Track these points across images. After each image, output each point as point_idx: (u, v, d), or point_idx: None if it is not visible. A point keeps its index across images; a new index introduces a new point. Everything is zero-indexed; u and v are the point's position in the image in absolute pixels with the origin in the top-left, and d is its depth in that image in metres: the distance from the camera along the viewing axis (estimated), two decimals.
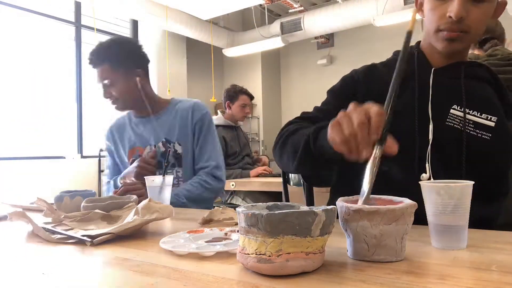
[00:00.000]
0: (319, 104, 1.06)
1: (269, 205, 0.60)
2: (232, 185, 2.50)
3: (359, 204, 0.56)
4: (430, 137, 0.88)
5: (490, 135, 0.87)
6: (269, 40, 5.70)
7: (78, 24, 5.03)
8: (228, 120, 2.99)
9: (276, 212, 0.48)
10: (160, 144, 1.53)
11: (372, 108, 0.61)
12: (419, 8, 0.95)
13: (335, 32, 6.27)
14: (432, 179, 0.86)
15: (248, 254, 0.50)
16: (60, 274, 0.54)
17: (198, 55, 6.47)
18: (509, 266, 0.50)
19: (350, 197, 0.62)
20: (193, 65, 6.41)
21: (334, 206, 0.53)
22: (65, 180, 4.51)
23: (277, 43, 5.62)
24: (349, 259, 0.56)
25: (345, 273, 0.50)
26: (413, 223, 0.55)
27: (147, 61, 1.57)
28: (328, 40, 6.70)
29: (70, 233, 0.76)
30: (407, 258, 0.55)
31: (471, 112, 0.89)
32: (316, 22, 5.55)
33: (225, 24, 6.37)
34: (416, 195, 0.60)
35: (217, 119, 2.92)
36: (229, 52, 6.10)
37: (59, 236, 0.75)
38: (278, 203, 0.61)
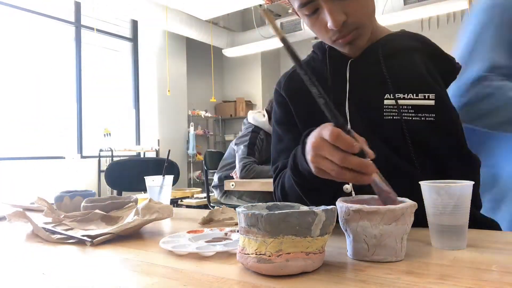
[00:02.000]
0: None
1: (269, 205, 0.60)
2: (232, 185, 2.50)
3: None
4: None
5: (434, 114, 0.80)
6: (269, 40, 5.71)
7: (78, 24, 5.03)
8: None
9: (276, 212, 0.48)
10: None
11: (326, 133, 0.57)
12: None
13: None
14: (353, 191, 0.79)
15: (248, 254, 0.50)
16: (60, 274, 0.54)
17: (198, 55, 6.47)
18: (509, 266, 0.50)
19: (350, 197, 0.62)
20: (193, 65, 6.41)
21: (334, 206, 0.53)
22: (65, 180, 4.51)
23: (277, 43, 5.61)
24: (349, 259, 0.56)
25: (345, 273, 0.50)
26: (413, 223, 0.55)
27: None
28: None
29: (70, 233, 0.76)
30: (407, 258, 0.55)
31: (406, 96, 0.81)
32: None
33: (225, 24, 6.37)
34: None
35: (263, 123, 2.77)
36: (229, 52, 6.10)
37: (59, 236, 0.75)
38: (278, 203, 0.61)
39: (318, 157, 0.60)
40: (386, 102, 0.82)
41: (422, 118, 0.80)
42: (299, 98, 0.92)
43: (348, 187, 0.81)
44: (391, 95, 0.82)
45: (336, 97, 0.85)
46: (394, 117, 0.81)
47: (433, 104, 0.80)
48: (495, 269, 0.49)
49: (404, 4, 4.70)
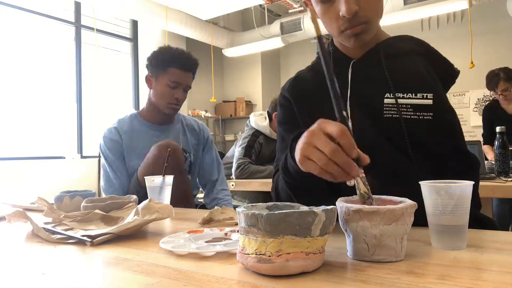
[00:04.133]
0: None
1: (269, 205, 0.60)
2: (232, 185, 2.50)
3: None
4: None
5: (432, 113, 0.82)
6: (269, 40, 5.71)
7: (78, 24, 5.03)
8: (275, 131, 2.82)
9: (276, 212, 0.48)
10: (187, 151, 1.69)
11: (330, 127, 0.59)
12: (313, 12, 0.92)
13: None
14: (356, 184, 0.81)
15: (248, 254, 0.50)
16: (60, 274, 0.54)
17: (198, 55, 6.47)
18: (509, 266, 0.50)
19: (350, 197, 0.62)
20: None
21: (334, 206, 0.53)
22: (65, 180, 4.51)
23: (277, 43, 5.62)
24: (349, 259, 0.56)
25: (345, 273, 0.50)
26: (413, 223, 0.55)
27: None
28: (328, 40, 6.70)
29: (70, 233, 0.76)
30: (407, 258, 0.55)
31: (405, 95, 0.84)
32: None
33: (225, 24, 6.37)
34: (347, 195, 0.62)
35: (263, 127, 2.79)
36: (229, 52, 6.10)
37: (59, 236, 0.75)
38: (278, 203, 0.61)
39: (309, 146, 0.61)
40: (386, 101, 0.85)
41: (420, 117, 0.82)
42: (303, 99, 0.94)
43: (352, 181, 0.82)
44: (391, 94, 0.85)
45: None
46: (394, 116, 0.84)
47: (431, 103, 0.83)
48: (495, 269, 0.49)
49: (404, 4, 4.70)
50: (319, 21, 0.87)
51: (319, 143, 0.59)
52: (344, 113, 0.63)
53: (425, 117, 0.82)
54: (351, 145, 0.58)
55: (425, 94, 0.83)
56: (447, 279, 0.45)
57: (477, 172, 0.88)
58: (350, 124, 0.63)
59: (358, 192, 0.60)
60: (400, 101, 0.84)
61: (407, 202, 0.55)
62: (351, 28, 0.82)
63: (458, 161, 0.85)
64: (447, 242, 0.59)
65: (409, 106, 0.83)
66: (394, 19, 4.60)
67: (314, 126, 0.62)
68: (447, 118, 0.85)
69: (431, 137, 0.82)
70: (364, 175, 0.60)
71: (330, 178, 0.61)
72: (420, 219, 0.62)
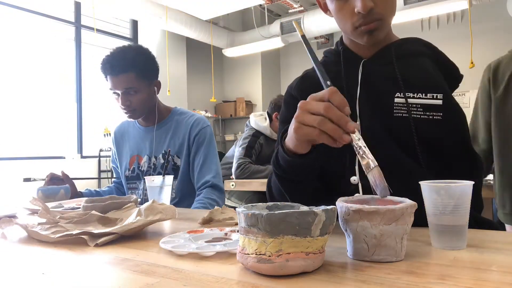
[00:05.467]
0: None
1: (269, 205, 0.60)
2: (232, 185, 2.50)
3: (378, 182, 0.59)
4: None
5: (441, 113, 0.83)
6: (269, 40, 5.71)
7: (78, 24, 5.03)
8: (275, 132, 2.84)
9: (276, 212, 0.48)
10: (160, 156, 1.56)
11: (321, 93, 0.62)
12: (325, 9, 0.93)
13: (335, 32, 6.28)
14: (359, 182, 0.82)
15: (248, 254, 0.50)
16: (60, 274, 0.54)
17: (198, 55, 6.47)
18: (509, 266, 0.50)
19: (350, 197, 0.62)
20: (193, 65, 6.41)
21: (334, 206, 0.53)
22: None
23: (277, 43, 5.62)
24: (349, 259, 0.56)
25: (345, 273, 0.50)
26: (413, 223, 0.55)
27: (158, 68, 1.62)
28: (328, 40, 6.70)
29: (68, 232, 0.75)
30: (407, 258, 0.55)
31: (415, 95, 0.85)
32: (316, 22, 5.56)
33: (225, 24, 6.37)
34: (349, 194, 0.63)
35: (264, 128, 2.80)
36: (229, 52, 6.10)
37: (60, 234, 0.74)
38: (278, 203, 0.61)
39: (303, 112, 0.63)
40: (396, 100, 0.86)
41: (430, 117, 0.83)
42: (310, 92, 0.94)
43: (355, 178, 0.83)
44: (402, 93, 0.86)
45: (348, 93, 0.88)
46: (404, 115, 0.84)
47: (441, 103, 0.84)
48: (495, 269, 0.49)
49: (404, 4, 4.70)
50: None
51: (312, 106, 0.62)
52: (329, 82, 0.66)
53: (434, 117, 0.83)
54: (343, 101, 0.60)
55: (435, 95, 0.84)
56: (447, 279, 0.45)
57: (481, 173, 0.89)
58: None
59: (356, 152, 0.61)
60: (410, 100, 0.85)
61: (407, 202, 0.55)
62: (366, 24, 0.83)
63: (464, 161, 0.85)
64: (447, 242, 0.59)
65: (419, 105, 0.84)
66: (394, 19, 4.58)
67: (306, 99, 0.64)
68: (456, 118, 0.85)
69: (440, 137, 0.83)
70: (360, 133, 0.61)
71: (328, 139, 0.61)
72: (420, 219, 0.62)
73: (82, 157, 4.94)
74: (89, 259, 0.62)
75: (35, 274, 0.54)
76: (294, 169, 0.74)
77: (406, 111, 0.84)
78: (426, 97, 0.85)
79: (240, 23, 7.00)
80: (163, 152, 1.55)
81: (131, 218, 0.78)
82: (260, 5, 5.95)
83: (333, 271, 0.51)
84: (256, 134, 2.81)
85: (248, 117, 3.00)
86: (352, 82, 0.90)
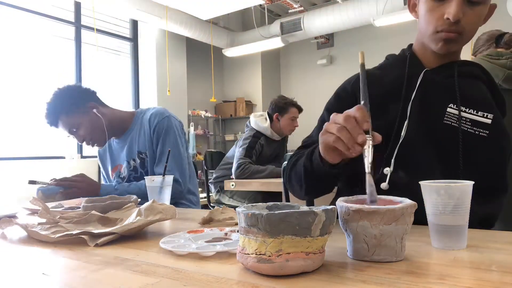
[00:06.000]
0: (317, 105, 1.08)
1: (269, 205, 0.60)
2: (232, 185, 2.50)
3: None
4: (402, 134, 0.89)
5: (488, 132, 0.88)
6: (269, 40, 5.70)
7: (78, 24, 5.03)
8: (276, 132, 2.85)
9: (276, 212, 0.48)
10: (136, 157, 1.60)
11: (351, 110, 0.67)
12: (412, 9, 0.97)
13: (335, 32, 6.27)
14: (389, 173, 0.87)
15: (248, 254, 0.50)
16: (60, 274, 0.54)
17: (198, 55, 6.47)
18: (509, 266, 0.50)
19: (350, 197, 0.62)
20: (193, 65, 6.41)
21: (334, 206, 0.53)
22: None
23: (277, 43, 5.62)
24: (349, 259, 0.56)
25: (345, 273, 0.50)
26: (413, 223, 0.55)
27: (92, 92, 1.66)
28: (328, 40, 6.70)
29: (68, 232, 0.76)
30: (407, 258, 0.55)
31: (467, 110, 0.90)
32: (316, 22, 5.55)
33: (225, 24, 6.37)
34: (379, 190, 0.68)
35: (264, 129, 2.80)
36: (229, 52, 6.10)
37: (60, 234, 0.74)
38: (278, 203, 0.61)
39: (330, 123, 0.70)
40: (449, 110, 0.91)
41: (477, 132, 0.89)
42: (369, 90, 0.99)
43: (384, 185, 0.87)
44: (455, 105, 0.91)
45: (404, 95, 0.93)
46: (453, 124, 0.90)
47: (490, 123, 0.89)
48: (495, 269, 0.49)
49: (404, 4, 4.70)
50: None
51: (338, 118, 0.67)
52: (363, 102, 0.70)
53: (481, 133, 0.89)
54: (364, 117, 0.65)
55: (486, 114, 0.90)
56: (447, 279, 0.45)
57: (505, 197, 0.92)
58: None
59: (366, 163, 0.64)
60: (462, 114, 0.90)
61: (407, 202, 0.55)
62: (448, 31, 0.87)
63: (496, 182, 0.90)
64: (447, 242, 0.59)
65: (468, 120, 0.90)
66: (394, 19, 4.60)
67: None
68: (501, 140, 0.90)
69: (481, 152, 0.88)
70: (371, 152, 0.65)
71: (343, 147, 0.66)
72: (420, 218, 0.62)
73: (82, 157, 4.94)
74: (89, 259, 0.62)
75: (35, 274, 0.54)
76: (321, 172, 0.81)
77: (456, 121, 0.89)
78: (477, 114, 0.90)
79: (240, 23, 6.99)
80: (138, 151, 1.59)
81: (131, 218, 0.78)
82: (260, 5, 5.95)
83: (333, 271, 0.51)
84: (257, 135, 2.80)
85: (248, 117, 3.00)
86: (410, 85, 0.94)
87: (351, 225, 0.54)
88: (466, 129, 0.89)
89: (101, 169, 1.79)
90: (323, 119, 1.03)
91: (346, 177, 0.93)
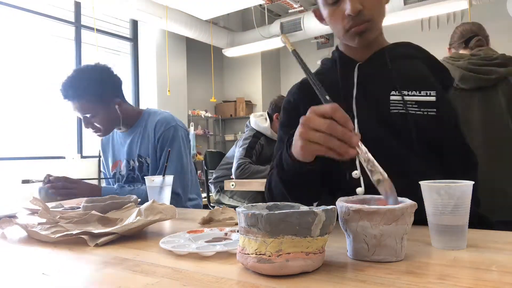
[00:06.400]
0: None
1: (269, 205, 0.60)
2: (232, 185, 2.50)
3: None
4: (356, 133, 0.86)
5: (435, 109, 0.87)
6: (269, 40, 5.70)
7: (78, 24, 5.03)
8: (276, 132, 2.83)
9: (276, 212, 0.48)
10: (135, 159, 1.59)
11: (322, 108, 0.64)
12: (321, 19, 0.98)
13: None
14: (361, 176, 0.82)
15: (248, 254, 0.50)
16: (60, 274, 0.54)
17: (198, 55, 6.47)
18: (509, 266, 0.50)
19: (350, 197, 0.62)
20: (193, 65, 6.41)
21: (334, 206, 0.53)
22: None
23: (277, 43, 5.62)
24: (349, 259, 0.56)
25: (345, 273, 0.50)
26: (413, 223, 0.55)
27: (121, 82, 1.58)
28: (328, 40, 6.69)
29: (68, 232, 0.76)
30: (407, 258, 0.55)
31: (410, 93, 0.89)
32: (316, 22, 5.53)
33: (225, 24, 6.37)
34: (350, 190, 0.67)
35: (264, 129, 2.82)
36: (229, 52, 6.10)
37: (60, 234, 0.74)
38: (278, 203, 0.61)
39: (307, 129, 0.65)
40: (392, 98, 0.90)
41: (425, 113, 0.87)
42: (310, 102, 0.96)
43: (357, 173, 0.84)
44: (397, 91, 0.89)
45: (344, 95, 0.92)
46: (400, 111, 0.88)
47: (434, 100, 0.88)
48: (495, 269, 0.49)
49: (404, 4, 4.70)
50: None
51: (315, 123, 0.63)
52: (327, 97, 0.68)
53: (429, 113, 0.87)
54: (345, 117, 0.62)
55: (428, 92, 0.88)
56: (447, 279, 0.45)
57: (477, 168, 0.92)
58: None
59: (364, 165, 0.62)
60: (405, 98, 0.89)
61: (407, 202, 0.55)
62: (356, 26, 0.88)
63: (460, 156, 0.90)
64: (447, 242, 0.59)
65: (413, 102, 0.88)
66: (394, 19, 4.59)
67: (307, 113, 0.66)
68: (449, 114, 0.90)
69: (435, 132, 0.87)
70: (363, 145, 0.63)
71: (335, 154, 0.64)
72: (420, 219, 0.62)
73: (82, 157, 4.94)
74: (89, 259, 0.62)
75: (35, 274, 0.54)
76: (299, 175, 0.77)
77: (402, 107, 0.88)
78: (420, 94, 0.88)
79: (240, 23, 6.99)
80: (138, 154, 1.58)
81: (131, 218, 0.78)
82: (260, 5, 5.95)
83: (333, 271, 0.51)
84: (257, 135, 2.81)
85: (248, 117, 3.00)
86: (348, 84, 0.94)
87: (351, 225, 0.54)
88: (414, 112, 0.87)
89: (101, 158, 1.77)
90: (281, 137, 1.00)
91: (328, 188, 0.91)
